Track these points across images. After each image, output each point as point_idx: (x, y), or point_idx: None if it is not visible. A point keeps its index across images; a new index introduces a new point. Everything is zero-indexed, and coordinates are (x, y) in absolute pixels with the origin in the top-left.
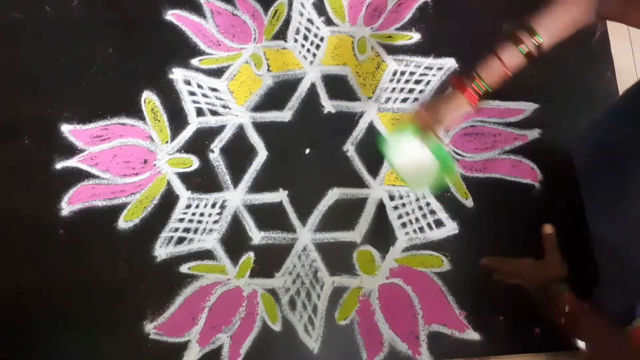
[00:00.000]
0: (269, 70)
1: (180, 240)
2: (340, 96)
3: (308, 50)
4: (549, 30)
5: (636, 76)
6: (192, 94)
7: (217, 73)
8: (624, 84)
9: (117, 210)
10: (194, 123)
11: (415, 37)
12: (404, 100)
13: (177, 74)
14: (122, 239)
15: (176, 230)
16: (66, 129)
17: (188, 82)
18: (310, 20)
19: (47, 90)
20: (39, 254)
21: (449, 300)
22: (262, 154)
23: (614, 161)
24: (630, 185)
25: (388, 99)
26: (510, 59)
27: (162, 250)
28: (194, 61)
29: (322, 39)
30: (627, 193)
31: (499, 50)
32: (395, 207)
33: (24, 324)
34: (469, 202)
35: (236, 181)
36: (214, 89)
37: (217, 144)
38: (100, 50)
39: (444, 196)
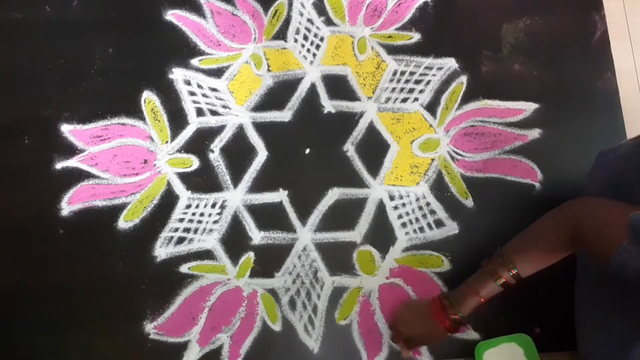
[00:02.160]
0: (269, 70)
1: (180, 240)
2: (340, 96)
3: (308, 50)
4: (527, 262)
5: (636, 76)
6: (192, 94)
7: (217, 73)
8: (624, 84)
9: (117, 210)
10: (194, 123)
11: (415, 37)
12: (404, 100)
13: (177, 74)
14: (122, 239)
15: (176, 230)
16: (66, 129)
17: (188, 82)
18: (310, 20)
19: (47, 90)
20: (39, 254)
21: None
22: (262, 154)
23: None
24: None
25: (388, 99)
26: (487, 291)
27: (162, 250)
28: (194, 61)
29: (322, 39)
30: None
31: (477, 285)
32: (395, 207)
33: (24, 324)
34: (469, 202)
35: (236, 181)
36: (214, 89)
37: (217, 144)
38: (100, 50)
39: (444, 196)
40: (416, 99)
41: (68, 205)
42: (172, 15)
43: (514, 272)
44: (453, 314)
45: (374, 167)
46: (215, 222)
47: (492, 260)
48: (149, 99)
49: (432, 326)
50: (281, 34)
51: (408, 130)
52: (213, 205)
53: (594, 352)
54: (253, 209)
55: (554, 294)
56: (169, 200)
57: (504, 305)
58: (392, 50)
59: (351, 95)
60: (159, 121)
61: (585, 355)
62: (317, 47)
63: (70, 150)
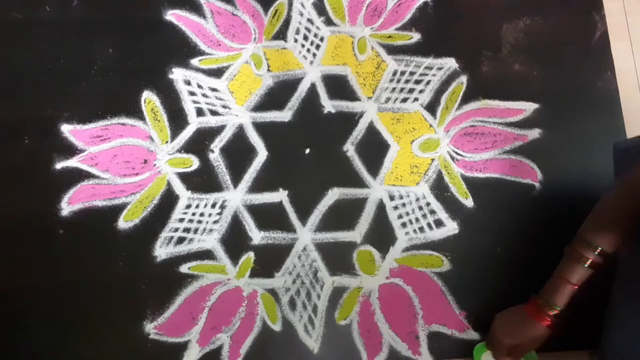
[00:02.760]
0: (269, 70)
1: (180, 240)
2: (340, 96)
3: (308, 50)
4: (608, 237)
5: (636, 76)
6: (192, 94)
7: (217, 73)
8: (624, 84)
9: (117, 210)
10: (194, 123)
11: (415, 37)
12: (404, 100)
13: (177, 74)
14: (122, 239)
15: (176, 230)
16: (66, 129)
17: (188, 82)
18: (310, 20)
19: (47, 90)
20: (39, 254)
21: (449, 300)
22: (262, 154)
23: None
24: None
25: (388, 99)
26: (577, 277)
27: (162, 250)
28: (194, 61)
29: (322, 39)
30: None
31: (566, 273)
32: (395, 207)
33: (23, 324)
34: (469, 202)
35: (236, 181)
36: (214, 89)
37: (217, 144)
38: (100, 50)
39: (444, 196)
40: (416, 99)
41: (68, 205)
42: (172, 15)
43: (599, 251)
44: (550, 310)
45: (374, 167)
46: (215, 222)
47: (573, 244)
48: (149, 99)
49: (535, 329)
50: (281, 34)
51: (408, 130)
52: (213, 205)
53: (627, 352)
54: (253, 209)
55: None
56: (169, 200)
57: (504, 305)
58: (392, 50)
59: (351, 95)
60: (159, 121)
61: (614, 355)
62: (317, 47)
63: (70, 150)
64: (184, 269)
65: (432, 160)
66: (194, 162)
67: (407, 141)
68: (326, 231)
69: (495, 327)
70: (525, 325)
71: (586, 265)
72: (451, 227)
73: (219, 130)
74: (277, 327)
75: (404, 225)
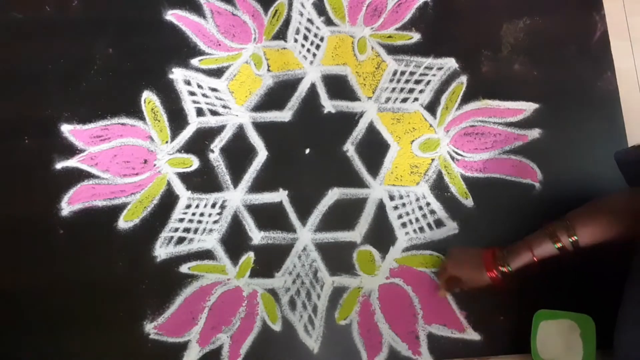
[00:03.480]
0: (269, 70)
1: (180, 240)
2: (340, 96)
3: (308, 50)
4: (589, 232)
5: (636, 76)
6: (192, 94)
7: (217, 73)
8: (624, 84)
9: (117, 210)
10: (194, 123)
11: (415, 37)
12: (404, 100)
13: (177, 74)
14: (122, 239)
15: (176, 230)
16: (66, 129)
17: (188, 82)
18: (310, 20)
19: (47, 90)
20: (39, 254)
21: (449, 300)
22: (262, 154)
23: None
24: None
25: (388, 99)
26: (542, 251)
27: (162, 250)
28: (194, 61)
29: (322, 39)
30: None
31: (533, 243)
32: (395, 207)
33: (23, 324)
34: (469, 202)
35: (236, 181)
36: (214, 89)
37: (217, 144)
38: (100, 50)
39: (444, 196)
40: (416, 99)
41: (68, 205)
42: (172, 15)
43: (573, 239)
44: (502, 266)
45: (374, 167)
46: (215, 222)
47: (555, 223)
48: (149, 99)
49: (479, 273)
50: (281, 34)
51: (408, 130)
52: (213, 205)
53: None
54: (253, 209)
55: (558, 295)
56: (169, 200)
57: (504, 305)
58: (392, 50)
59: (351, 95)
60: (159, 121)
61: (625, 356)
62: (317, 47)
63: (70, 150)
64: (184, 269)
65: (432, 160)
66: (194, 162)
67: (407, 141)
68: (326, 231)
69: (449, 254)
70: (473, 266)
71: (555, 246)
72: (451, 227)
73: (219, 130)
74: (277, 327)
75: (404, 225)
